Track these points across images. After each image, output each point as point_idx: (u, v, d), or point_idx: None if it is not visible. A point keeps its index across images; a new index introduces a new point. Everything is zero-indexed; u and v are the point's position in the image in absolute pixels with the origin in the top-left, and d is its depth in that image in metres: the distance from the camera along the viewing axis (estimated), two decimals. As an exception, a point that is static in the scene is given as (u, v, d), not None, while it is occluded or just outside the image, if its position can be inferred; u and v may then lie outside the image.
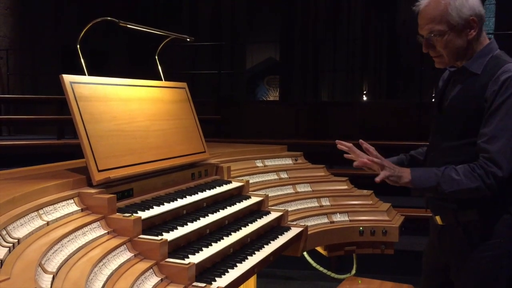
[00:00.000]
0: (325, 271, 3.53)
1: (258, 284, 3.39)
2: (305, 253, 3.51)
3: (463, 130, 2.17)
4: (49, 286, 1.43)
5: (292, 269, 4.66)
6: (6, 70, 8.10)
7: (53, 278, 1.50)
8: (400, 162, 2.47)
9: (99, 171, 2.14)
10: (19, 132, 7.91)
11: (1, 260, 1.40)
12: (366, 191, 3.48)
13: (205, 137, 2.93)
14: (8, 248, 1.49)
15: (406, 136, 6.37)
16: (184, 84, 3.00)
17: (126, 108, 2.44)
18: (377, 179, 2.15)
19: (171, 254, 2.05)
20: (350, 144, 2.33)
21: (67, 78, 2.17)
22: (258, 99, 18.05)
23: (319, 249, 3.28)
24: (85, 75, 2.31)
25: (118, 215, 2.04)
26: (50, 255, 1.61)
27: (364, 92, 15.74)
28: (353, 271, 3.43)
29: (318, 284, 4.09)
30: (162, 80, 2.90)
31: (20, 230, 1.64)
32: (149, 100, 2.63)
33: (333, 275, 3.52)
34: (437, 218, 2.37)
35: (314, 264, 3.51)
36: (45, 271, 1.50)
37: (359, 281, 3.09)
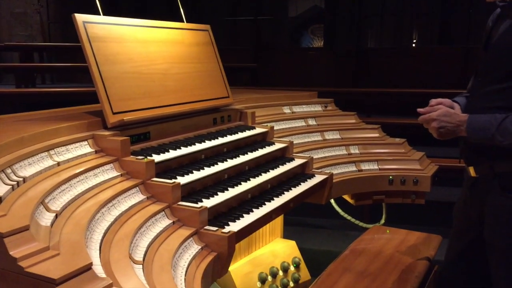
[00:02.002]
0: (353, 220, 3.46)
1: (288, 233, 3.38)
2: (333, 202, 3.45)
3: (508, 71, 1.98)
4: (49, 224, 1.43)
5: (322, 218, 4.62)
6: (47, 19, 8.20)
7: (56, 216, 1.51)
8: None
9: (113, 113, 2.12)
10: (62, 80, 8.09)
11: (0, 197, 1.40)
12: (398, 139, 3.34)
13: (240, 86, 2.86)
14: (11, 186, 1.50)
15: (455, 84, 6.03)
16: (207, 27, 2.90)
17: (144, 50, 2.38)
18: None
19: (185, 198, 2.03)
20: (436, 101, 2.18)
21: (80, 17, 2.12)
22: (302, 49, 17.62)
23: (346, 197, 3.20)
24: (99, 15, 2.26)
25: (131, 158, 2.03)
26: (56, 195, 1.61)
27: (414, 40, 15.00)
28: (382, 221, 3.34)
29: (348, 233, 4.04)
30: (184, 22, 2.81)
31: (27, 169, 1.65)
32: (169, 42, 2.55)
33: (361, 224, 3.44)
34: (471, 169, 2.23)
35: (342, 213, 3.45)
36: (48, 210, 1.51)
37: (387, 231, 3.00)
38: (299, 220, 4.55)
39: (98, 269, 1.35)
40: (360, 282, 2.23)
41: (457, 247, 2.45)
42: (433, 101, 2.17)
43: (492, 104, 2.00)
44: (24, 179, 1.59)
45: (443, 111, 2.08)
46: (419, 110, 2.17)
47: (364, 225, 3.45)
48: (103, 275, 1.32)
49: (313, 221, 4.67)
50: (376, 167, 3.10)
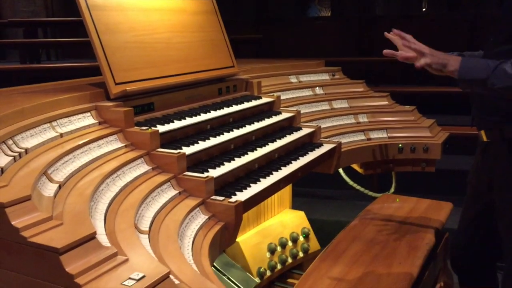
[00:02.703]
0: (362, 189, 3.43)
1: (297, 203, 3.36)
2: (341, 172, 3.41)
3: None
4: (52, 194, 1.40)
5: (331, 189, 4.59)
6: (50, -7, 8.11)
7: (59, 187, 1.49)
8: None
9: (116, 84, 2.08)
10: (67, 56, 8.04)
11: (2, 168, 1.38)
12: (408, 107, 3.27)
13: (246, 58, 2.79)
14: (13, 157, 1.47)
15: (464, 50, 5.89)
16: (210, -7, 2.82)
17: (145, 19, 2.32)
18: (417, 64, 1.89)
19: (191, 168, 2.01)
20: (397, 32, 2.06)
21: (78, -14, 2.06)
22: (308, 20, 17.39)
23: (355, 167, 3.16)
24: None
25: (135, 129, 1.99)
26: (59, 166, 1.59)
27: (424, 9, 14.68)
28: (392, 190, 3.31)
29: (357, 203, 4.01)
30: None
31: (29, 141, 1.62)
32: (171, 11, 2.49)
33: (370, 193, 3.41)
34: (482, 133, 2.18)
35: (351, 183, 3.41)
36: (51, 180, 1.49)
37: (397, 199, 2.97)
38: (307, 191, 4.54)
39: (102, 238, 1.34)
40: (369, 250, 2.21)
41: (470, 214, 2.43)
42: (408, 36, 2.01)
43: None
44: (26, 150, 1.56)
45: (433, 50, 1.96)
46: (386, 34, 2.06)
47: (374, 194, 3.42)
48: (108, 245, 1.31)
49: (322, 192, 4.64)
50: (385, 135, 3.05)
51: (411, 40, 1.96)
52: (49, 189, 1.44)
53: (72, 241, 1.17)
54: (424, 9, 14.68)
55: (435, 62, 1.88)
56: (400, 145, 2.98)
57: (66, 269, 1.11)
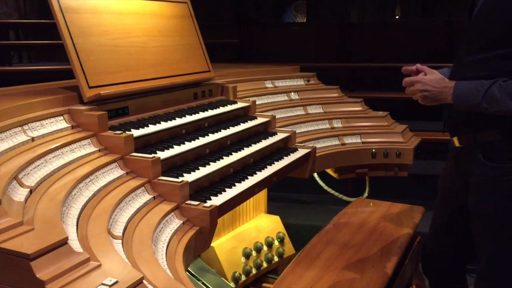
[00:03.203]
0: (336, 193, 3.46)
1: (272, 208, 3.37)
2: (316, 177, 3.44)
3: (493, 39, 1.94)
4: (23, 199, 1.38)
5: (306, 193, 4.63)
6: (23, -5, 7.95)
7: (30, 192, 1.46)
8: None
9: (90, 87, 2.06)
10: (39, 58, 7.88)
11: (-30, 173, 1.36)
12: (381, 112, 3.33)
13: (224, 62, 2.79)
14: (-18, 162, 1.44)
15: (439, 57, 6.01)
16: (186, -1, 2.82)
17: (120, 22, 2.30)
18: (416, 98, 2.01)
19: (166, 173, 2.00)
20: (416, 66, 2.12)
21: (51, -12, 2.03)
22: (284, 25, 17.50)
23: (329, 171, 3.20)
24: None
25: (109, 133, 1.98)
26: (31, 170, 1.56)
27: (397, 16, 14.92)
28: (365, 194, 3.35)
29: (331, 208, 4.05)
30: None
31: (0, 145, 1.59)
32: (146, 15, 2.48)
33: (344, 198, 3.45)
34: (455, 139, 2.22)
35: (325, 187, 3.45)
36: (22, 185, 1.46)
37: (371, 204, 3.01)
38: (283, 196, 4.55)
39: (74, 244, 1.32)
40: (343, 253, 2.23)
41: (441, 218, 2.47)
42: (419, 66, 2.12)
43: (477, 74, 1.97)
44: (-4, 155, 1.53)
45: (430, 76, 2.05)
46: (405, 79, 2.14)
47: (348, 198, 3.46)
48: (80, 250, 1.29)
49: (297, 197, 4.67)
50: (359, 140, 3.09)
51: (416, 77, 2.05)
52: (20, 194, 1.41)
53: (43, 247, 1.15)
54: (397, 16, 14.92)
55: (426, 89, 1.99)
56: (374, 150, 3.02)
57: (37, 275, 1.10)
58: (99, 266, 1.21)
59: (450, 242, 2.44)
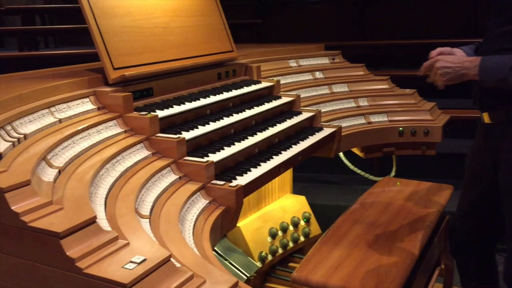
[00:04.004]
0: (362, 173, 3.42)
1: (297, 188, 3.36)
2: (342, 156, 3.41)
3: None
4: (52, 179, 1.40)
5: (331, 173, 4.59)
6: (48, -19, 8.03)
7: (59, 172, 1.48)
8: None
9: (114, 69, 2.06)
10: (65, 43, 7.98)
11: (1, 154, 1.38)
12: (408, 90, 3.25)
13: (246, 43, 2.76)
14: (11, 143, 1.47)
15: (465, 32, 5.81)
16: (208, -22, 2.79)
17: (142, 3, 2.30)
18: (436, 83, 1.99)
19: (191, 153, 2.00)
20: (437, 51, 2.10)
21: (74, -31, 2.03)
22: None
23: (355, 151, 3.16)
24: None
25: (134, 114, 1.99)
26: (59, 151, 1.59)
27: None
28: (392, 173, 3.30)
29: (358, 187, 4.01)
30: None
31: (28, 126, 1.62)
32: (168, -5, 2.46)
33: (371, 177, 3.41)
34: (485, 115, 2.17)
35: (352, 167, 3.41)
36: (50, 166, 1.48)
37: (398, 183, 2.97)
38: (308, 176, 4.53)
39: (103, 223, 1.34)
40: (370, 232, 2.21)
41: (469, 197, 2.43)
42: (433, 53, 2.10)
43: (508, 45, 1.92)
44: (25, 136, 1.56)
45: (447, 55, 2.02)
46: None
47: (374, 178, 3.42)
48: (109, 229, 1.30)
49: (323, 177, 4.64)
50: (385, 119, 3.04)
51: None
52: (49, 174, 1.43)
53: (73, 225, 1.16)
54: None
55: (450, 78, 1.96)
56: (401, 128, 2.97)
57: (67, 253, 1.11)
58: (127, 244, 1.23)
59: (479, 222, 2.39)
